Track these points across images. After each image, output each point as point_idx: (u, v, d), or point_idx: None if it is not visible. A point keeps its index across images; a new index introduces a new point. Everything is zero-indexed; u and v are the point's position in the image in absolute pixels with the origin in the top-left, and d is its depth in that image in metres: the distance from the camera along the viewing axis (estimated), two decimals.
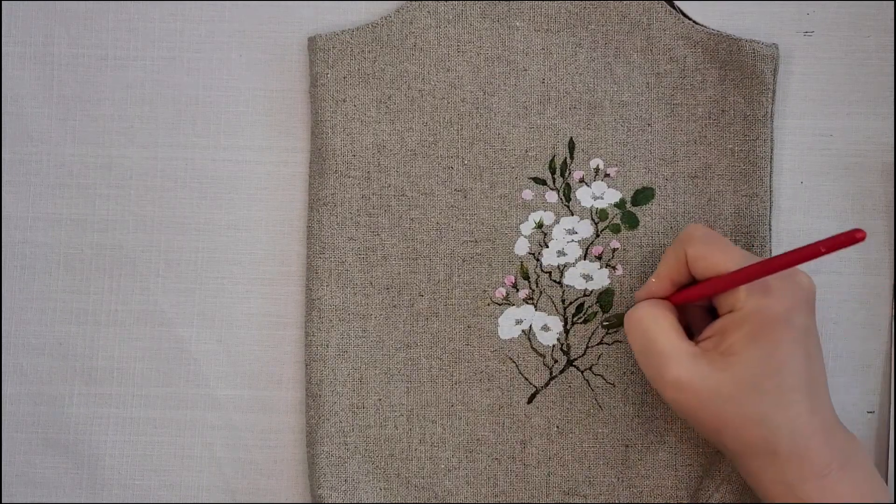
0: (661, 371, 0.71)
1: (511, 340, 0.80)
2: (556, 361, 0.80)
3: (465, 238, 0.81)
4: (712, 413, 0.70)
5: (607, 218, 0.81)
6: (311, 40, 0.81)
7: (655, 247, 0.80)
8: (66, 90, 0.84)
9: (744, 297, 0.70)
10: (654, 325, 0.72)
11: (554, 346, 0.80)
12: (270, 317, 0.82)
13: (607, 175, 0.81)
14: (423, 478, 0.80)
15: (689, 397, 0.70)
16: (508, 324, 0.80)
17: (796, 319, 0.70)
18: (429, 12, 0.81)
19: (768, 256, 0.80)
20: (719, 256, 0.71)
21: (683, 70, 0.81)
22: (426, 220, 0.81)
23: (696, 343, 0.72)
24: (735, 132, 0.80)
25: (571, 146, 0.81)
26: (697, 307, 0.75)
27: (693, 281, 0.73)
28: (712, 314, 0.75)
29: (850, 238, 0.65)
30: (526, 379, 0.80)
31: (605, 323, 0.79)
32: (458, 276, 0.80)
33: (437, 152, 0.81)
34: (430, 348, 0.80)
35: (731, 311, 0.71)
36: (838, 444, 0.69)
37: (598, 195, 0.81)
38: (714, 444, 0.73)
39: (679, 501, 0.79)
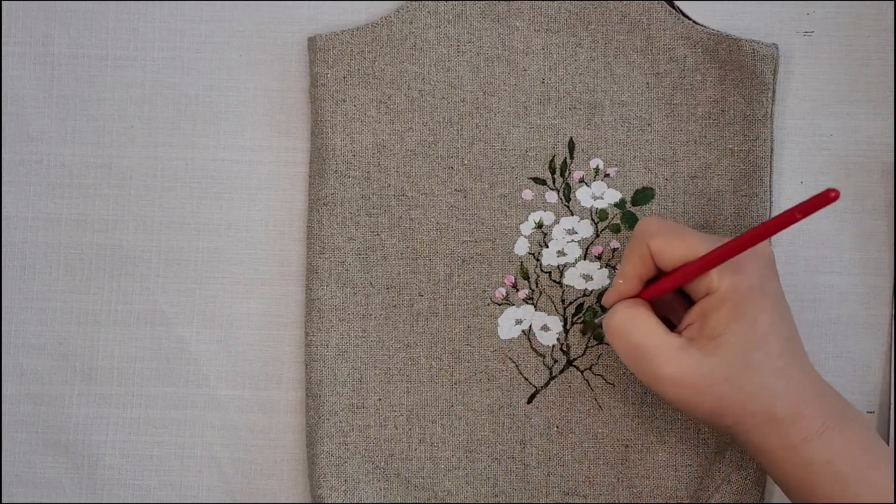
0: (654, 371, 0.71)
1: (511, 340, 0.80)
2: (555, 361, 0.80)
3: (465, 238, 0.81)
4: (712, 398, 0.70)
5: (607, 218, 0.81)
6: (311, 40, 0.81)
7: None
8: (66, 90, 0.84)
9: (717, 279, 0.70)
10: (636, 327, 0.72)
11: (554, 346, 0.80)
12: (270, 317, 0.82)
13: (607, 175, 0.81)
14: (423, 478, 0.80)
15: (688, 390, 0.70)
16: (508, 324, 0.80)
17: (768, 287, 0.71)
18: (429, 12, 0.81)
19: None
20: (682, 244, 0.71)
21: (683, 70, 0.81)
22: (426, 220, 0.81)
23: (680, 333, 0.72)
24: (735, 132, 0.80)
25: (571, 146, 0.81)
26: (671, 296, 0.75)
27: (660, 273, 0.73)
28: (685, 298, 0.75)
29: (825, 198, 0.65)
30: (526, 379, 0.80)
31: (582, 330, 0.80)
32: (458, 276, 0.80)
33: (437, 152, 0.81)
34: (430, 348, 0.80)
35: (707, 295, 0.71)
36: (831, 400, 0.71)
37: (598, 195, 0.81)
38: (718, 428, 0.73)
39: (679, 501, 0.79)
